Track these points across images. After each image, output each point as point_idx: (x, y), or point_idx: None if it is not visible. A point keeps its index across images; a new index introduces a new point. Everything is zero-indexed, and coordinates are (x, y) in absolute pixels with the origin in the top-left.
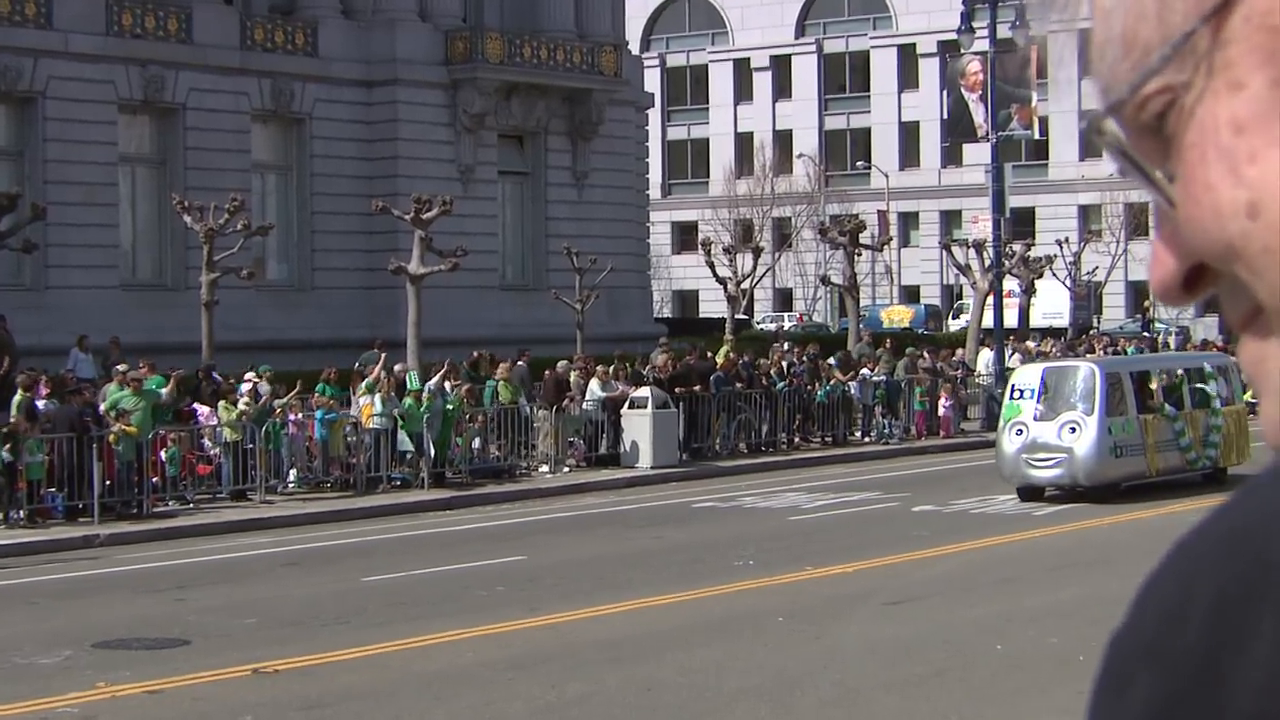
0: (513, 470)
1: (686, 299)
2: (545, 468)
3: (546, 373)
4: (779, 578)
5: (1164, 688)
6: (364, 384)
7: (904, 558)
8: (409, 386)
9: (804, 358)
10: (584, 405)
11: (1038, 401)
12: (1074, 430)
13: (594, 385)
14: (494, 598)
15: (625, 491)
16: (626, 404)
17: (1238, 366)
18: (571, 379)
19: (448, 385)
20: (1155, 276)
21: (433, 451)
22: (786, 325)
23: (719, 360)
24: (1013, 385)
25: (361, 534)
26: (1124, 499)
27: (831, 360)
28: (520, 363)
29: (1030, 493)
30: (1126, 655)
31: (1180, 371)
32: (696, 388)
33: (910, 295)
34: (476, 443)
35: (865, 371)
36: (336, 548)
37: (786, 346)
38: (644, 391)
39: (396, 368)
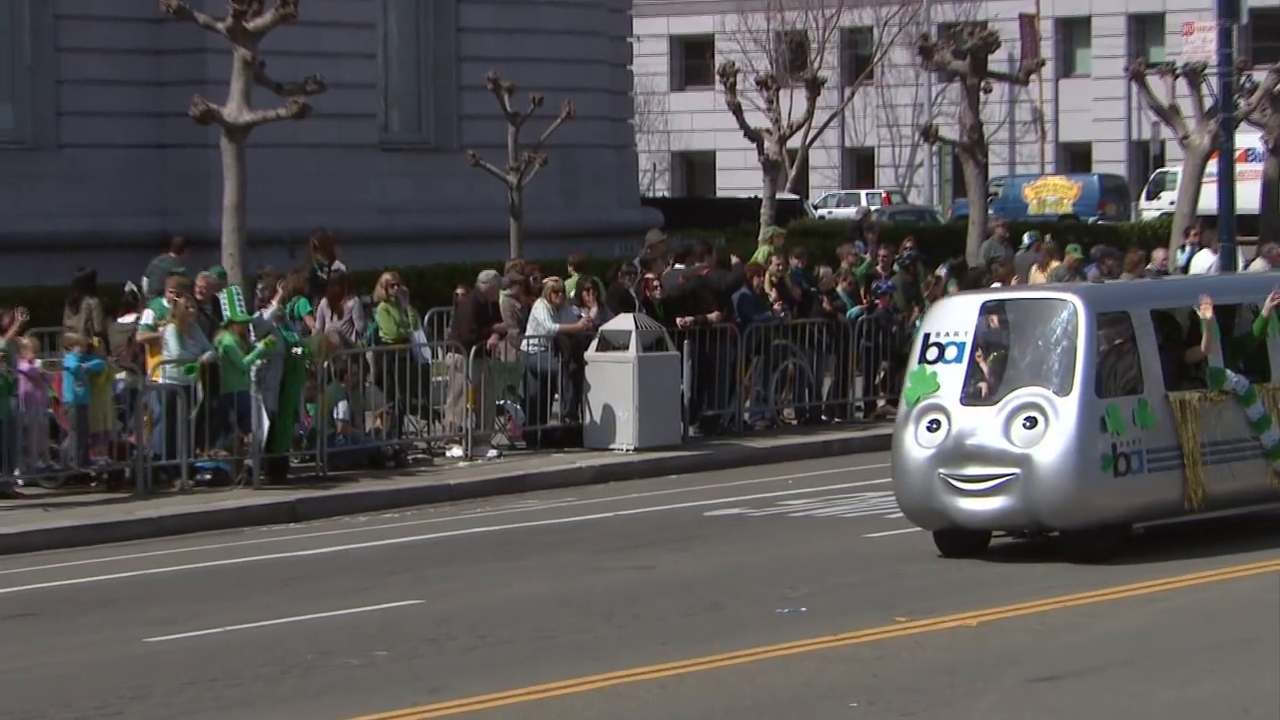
0: (402, 455)
1: (696, 166)
2: (457, 450)
3: (459, 291)
4: (851, 635)
5: None
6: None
7: (1061, 601)
8: (228, 314)
9: (894, 264)
10: (524, 346)
11: (967, 365)
12: (1033, 423)
13: (540, 311)
14: (371, 670)
15: (592, 490)
16: (595, 343)
17: None
18: (502, 300)
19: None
20: None
21: (267, 424)
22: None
23: (751, 269)
24: (924, 335)
25: (145, 564)
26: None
27: (941, 270)
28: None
29: (954, 540)
30: None
31: (1264, 306)
32: (712, 315)
33: (1076, 160)
34: (342, 409)
35: (998, 289)
36: (101, 587)
37: (863, 246)
38: (623, 322)
39: (199, 282)
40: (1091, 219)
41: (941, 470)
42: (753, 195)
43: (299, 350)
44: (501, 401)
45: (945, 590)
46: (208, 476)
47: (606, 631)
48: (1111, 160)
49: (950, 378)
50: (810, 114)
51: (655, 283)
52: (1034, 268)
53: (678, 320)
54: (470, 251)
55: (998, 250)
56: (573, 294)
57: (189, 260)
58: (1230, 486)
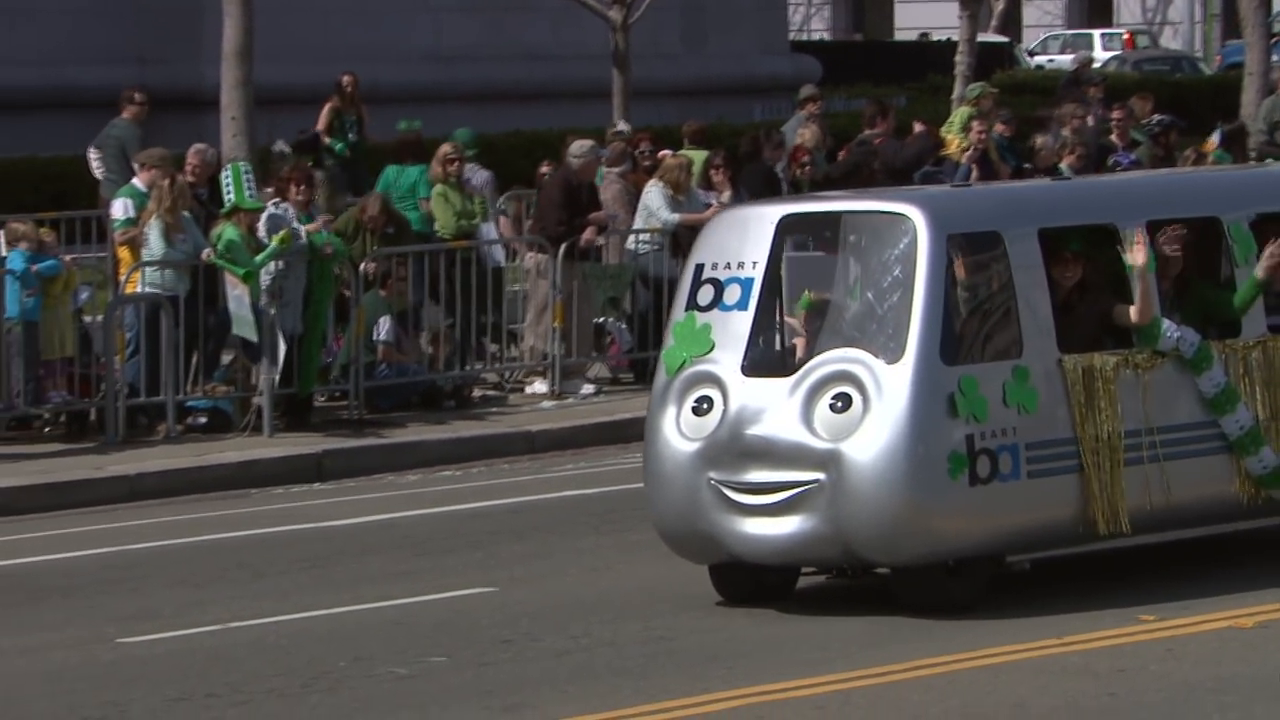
0: (465, 392)
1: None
2: (540, 385)
3: (544, 170)
4: (1077, 639)
5: None
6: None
7: None
8: (231, 198)
9: (1138, 131)
10: (632, 243)
11: (754, 314)
12: (845, 403)
13: (653, 196)
14: (425, 681)
15: None
16: None
17: None
18: (601, 183)
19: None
20: None
21: (284, 351)
22: (1098, 59)
23: (947, 137)
24: (695, 268)
25: (118, 538)
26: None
27: (1215, 138)
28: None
29: (738, 581)
30: None
31: (1259, 265)
32: None
33: None
34: (385, 329)
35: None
36: (60, 570)
37: (1087, 108)
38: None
39: (192, 159)
40: None
41: (713, 475)
42: (945, 37)
43: (330, 249)
44: (601, 320)
45: (1209, 576)
46: (202, 420)
47: (744, 631)
48: None
49: (729, 333)
50: None
51: (807, 157)
52: None
53: None
54: (559, 115)
55: None
56: (699, 173)
57: (153, 126)
58: (1169, 499)
